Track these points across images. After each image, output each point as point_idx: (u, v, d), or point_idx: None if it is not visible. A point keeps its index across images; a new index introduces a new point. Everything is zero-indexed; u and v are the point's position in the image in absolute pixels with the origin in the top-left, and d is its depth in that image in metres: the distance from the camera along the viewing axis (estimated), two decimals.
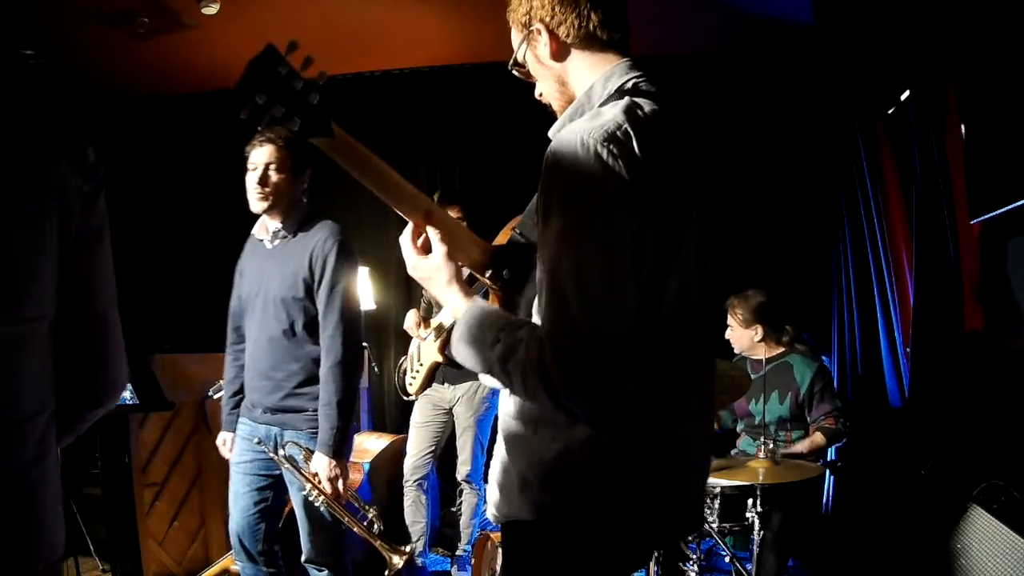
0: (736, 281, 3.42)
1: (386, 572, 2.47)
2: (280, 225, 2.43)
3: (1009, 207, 2.52)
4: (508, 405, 1.25)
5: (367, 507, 2.56)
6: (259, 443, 2.41)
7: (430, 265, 1.25)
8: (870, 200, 3.60)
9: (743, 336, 3.25)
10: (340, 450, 2.32)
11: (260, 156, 2.35)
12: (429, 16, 4.17)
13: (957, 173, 2.93)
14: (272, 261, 2.45)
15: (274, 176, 2.36)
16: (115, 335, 1.12)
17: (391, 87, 5.02)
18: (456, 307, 1.23)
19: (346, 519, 2.42)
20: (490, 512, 1.28)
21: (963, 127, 2.79)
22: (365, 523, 2.50)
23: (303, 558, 2.48)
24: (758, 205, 4.44)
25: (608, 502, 1.16)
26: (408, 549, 2.49)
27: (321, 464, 2.32)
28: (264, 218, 2.48)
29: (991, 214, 2.65)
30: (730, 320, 3.28)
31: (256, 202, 2.38)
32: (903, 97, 3.47)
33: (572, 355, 1.04)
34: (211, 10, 3.91)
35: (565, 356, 1.04)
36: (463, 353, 1.20)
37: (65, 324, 1.05)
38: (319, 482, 2.34)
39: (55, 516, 1.02)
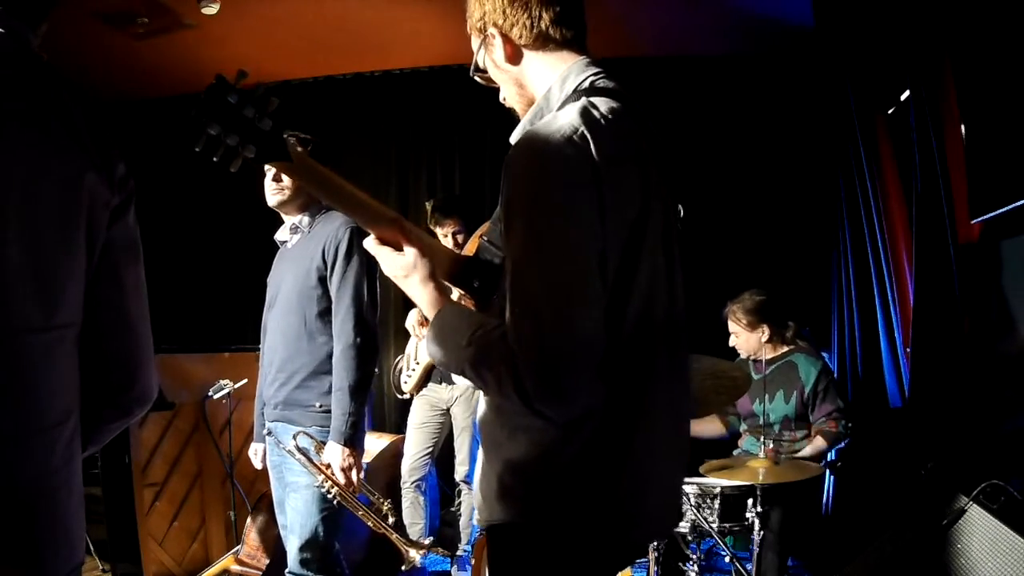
0: (736, 281, 3.42)
1: (403, 567, 2.41)
2: (297, 220, 2.46)
3: (1009, 207, 2.52)
4: (484, 410, 1.25)
5: (381, 499, 2.48)
6: (268, 433, 2.40)
7: (406, 262, 1.24)
8: (870, 200, 3.59)
9: (750, 340, 3.21)
10: (354, 438, 2.26)
11: None
12: (429, 16, 4.17)
13: (957, 173, 2.93)
14: (290, 258, 2.47)
15: None
16: (146, 347, 1.13)
17: (391, 87, 5.02)
18: (430, 306, 1.23)
19: (360, 512, 2.35)
20: (475, 516, 1.29)
21: (963, 127, 2.79)
22: (379, 516, 2.42)
23: (287, 570, 2.36)
24: (758, 205, 4.45)
25: (585, 504, 1.16)
26: (427, 543, 2.41)
27: (334, 453, 2.25)
28: (285, 219, 2.50)
29: (991, 214, 2.65)
30: (733, 327, 3.24)
31: (271, 197, 2.42)
32: (903, 97, 3.47)
33: (541, 362, 1.05)
34: (211, 10, 3.91)
35: (535, 363, 1.05)
36: (436, 353, 1.20)
37: (96, 335, 1.06)
38: (332, 473, 2.27)
39: (78, 521, 1.03)
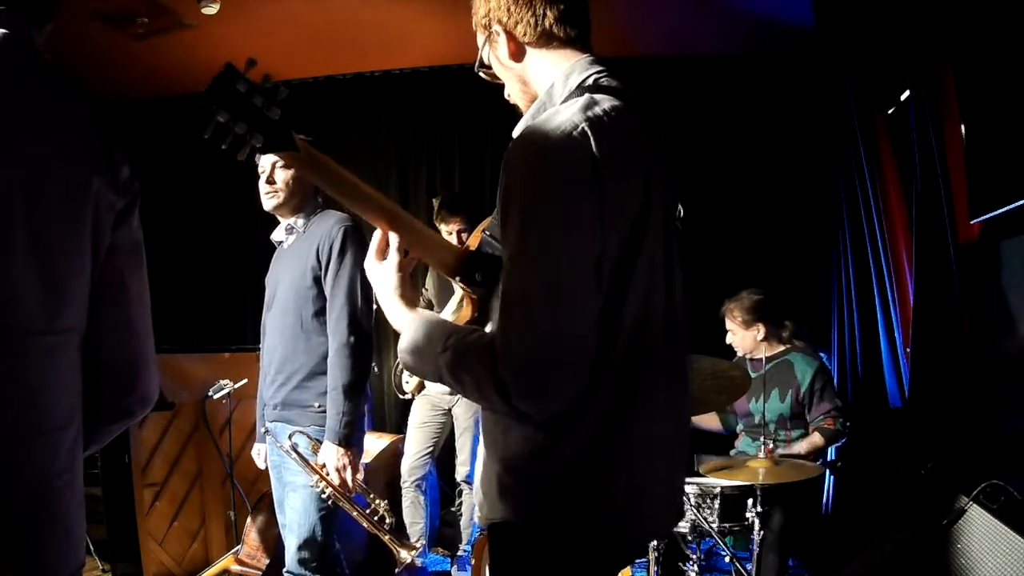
0: (736, 280, 3.42)
1: (396, 570, 2.44)
2: (292, 221, 2.46)
3: (1009, 207, 2.52)
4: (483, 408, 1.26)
5: (377, 500, 2.48)
6: (265, 431, 2.40)
7: (382, 273, 1.26)
8: (870, 200, 3.60)
9: (746, 338, 3.23)
10: (349, 438, 2.24)
11: (268, 158, 2.37)
12: (429, 16, 4.17)
13: (957, 173, 2.93)
14: (286, 258, 2.46)
15: (281, 173, 2.39)
16: (148, 349, 1.14)
17: (391, 87, 5.02)
18: (399, 318, 1.25)
19: (354, 513, 2.35)
20: (476, 515, 1.28)
21: (963, 127, 2.79)
22: (376, 518, 2.42)
23: (284, 569, 2.35)
24: (759, 205, 4.46)
25: (583, 502, 1.15)
26: (419, 544, 2.43)
27: (329, 453, 2.24)
28: (281, 220, 2.50)
29: (991, 214, 2.65)
30: (729, 325, 3.26)
31: (266, 200, 2.42)
32: (903, 97, 3.48)
33: (528, 357, 1.05)
34: (211, 10, 3.91)
35: (521, 359, 1.05)
36: (411, 362, 1.21)
37: (98, 336, 1.06)
38: (327, 473, 2.26)
39: (79, 523, 1.03)
